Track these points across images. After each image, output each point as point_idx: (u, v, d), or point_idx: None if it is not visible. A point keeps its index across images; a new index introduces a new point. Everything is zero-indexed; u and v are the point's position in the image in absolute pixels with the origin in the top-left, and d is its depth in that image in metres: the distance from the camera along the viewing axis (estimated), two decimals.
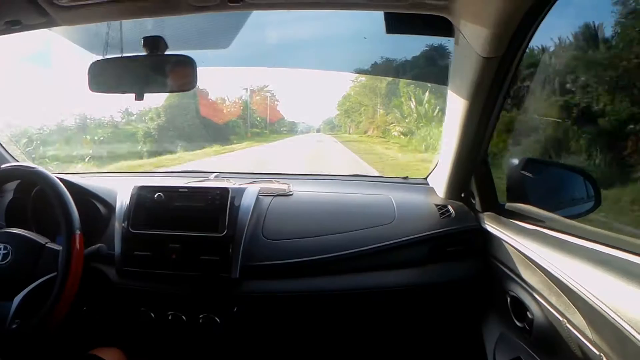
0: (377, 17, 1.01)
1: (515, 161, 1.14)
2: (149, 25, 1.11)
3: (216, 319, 1.14)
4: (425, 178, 1.46)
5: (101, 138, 8.62)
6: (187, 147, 9.21)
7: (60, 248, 0.98)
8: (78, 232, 0.98)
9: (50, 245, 1.01)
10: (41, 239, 1.02)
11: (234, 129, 12.95)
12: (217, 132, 11.82)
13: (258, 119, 14.41)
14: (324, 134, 15.42)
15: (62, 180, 1.05)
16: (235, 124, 13.11)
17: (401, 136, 11.08)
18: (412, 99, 10.24)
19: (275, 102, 14.98)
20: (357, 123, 14.10)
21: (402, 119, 11.19)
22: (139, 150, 8.86)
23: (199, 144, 9.65)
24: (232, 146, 11.33)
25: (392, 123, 11.83)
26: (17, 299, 0.93)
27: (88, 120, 9.22)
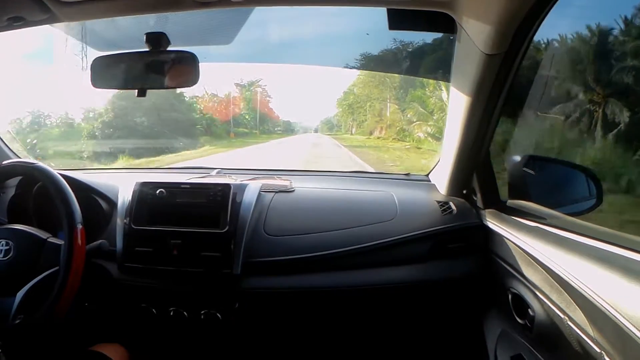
0: (379, 13, 1.01)
1: (517, 158, 1.14)
2: (152, 21, 1.11)
3: (218, 315, 1.14)
4: (427, 175, 1.46)
5: (34, 141, 6.91)
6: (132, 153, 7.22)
7: (62, 242, 0.98)
8: (80, 226, 0.98)
9: (52, 240, 1.01)
10: (43, 234, 1.02)
11: (209, 128, 10.60)
12: (183, 131, 9.31)
13: (247, 116, 12.77)
14: (322, 134, 14.02)
15: (63, 176, 1.05)
16: (210, 122, 10.64)
17: (429, 139, 8.29)
18: (444, 89, 7.22)
19: (268, 99, 13.39)
20: (361, 122, 12.20)
21: (428, 116, 8.57)
22: (78, 153, 7.30)
23: (144, 150, 7.64)
24: (170, 155, 7.94)
25: (413, 122, 9.05)
26: (20, 294, 0.93)
27: (43, 118, 7.98)
